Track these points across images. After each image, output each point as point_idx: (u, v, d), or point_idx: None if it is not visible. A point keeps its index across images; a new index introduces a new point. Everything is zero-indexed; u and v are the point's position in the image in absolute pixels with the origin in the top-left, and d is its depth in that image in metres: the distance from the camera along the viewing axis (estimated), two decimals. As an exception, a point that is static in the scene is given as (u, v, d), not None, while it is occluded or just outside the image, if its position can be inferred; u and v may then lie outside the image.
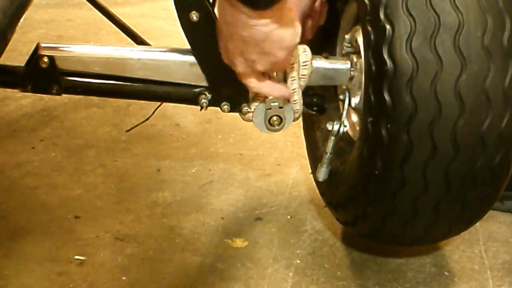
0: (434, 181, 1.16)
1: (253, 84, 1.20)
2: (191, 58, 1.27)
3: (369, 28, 1.14)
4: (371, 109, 1.16)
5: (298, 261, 1.49)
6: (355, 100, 1.35)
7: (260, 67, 1.13)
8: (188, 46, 1.27)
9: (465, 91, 1.10)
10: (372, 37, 1.14)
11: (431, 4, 1.09)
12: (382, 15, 1.11)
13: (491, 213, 1.38)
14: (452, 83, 1.09)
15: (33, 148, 1.96)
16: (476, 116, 1.11)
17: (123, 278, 1.43)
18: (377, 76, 1.13)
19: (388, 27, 1.11)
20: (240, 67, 1.16)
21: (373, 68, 1.13)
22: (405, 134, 1.12)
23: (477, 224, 1.39)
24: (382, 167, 1.17)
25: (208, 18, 1.23)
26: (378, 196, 1.22)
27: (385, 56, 1.11)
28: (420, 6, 1.09)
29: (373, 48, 1.13)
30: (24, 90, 1.29)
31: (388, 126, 1.13)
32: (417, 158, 1.14)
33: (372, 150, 1.18)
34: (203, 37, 1.25)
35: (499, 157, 1.15)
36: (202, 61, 1.27)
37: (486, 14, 1.09)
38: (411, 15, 1.09)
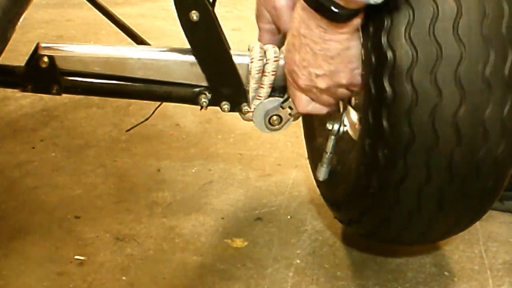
0: (428, 202, 1.17)
1: (303, 104, 1.21)
2: (191, 58, 1.27)
3: (370, 52, 1.14)
4: (369, 132, 1.17)
5: (298, 261, 1.49)
6: (355, 100, 1.35)
7: (322, 84, 1.15)
8: (188, 46, 1.27)
9: (463, 124, 1.09)
10: (373, 61, 1.13)
11: (434, 35, 1.08)
12: (384, 42, 1.11)
13: (491, 213, 1.38)
14: (451, 115, 1.09)
15: (33, 148, 1.96)
16: (472, 146, 1.11)
17: (123, 278, 1.43)
18: (376, 102, 1.13)
19: (389, 54, 1.10)
20: (302, 80, 1.16)
21: (373, 92, 1.13)
22: (402, 160, 1.13)
23: (477, 224, 1.39)
24: (377, 186, 1.18)
25: (208, 18, 1.23)
26: (374, 208, 1.23)
27: (385, 83, 1.11)
28: (423, 36, 1.08)
29: (374, 73, 1.13)
30: (24, 90, 1.29)
31: (385, 151, 1.14)
32: (412, 182, 1.15)
33: (369, 170, 1.19)
34: (203, 37, 1.25)
35: (492, 181, 1.17)
36: (202, 61, 1.27)
37: (489, 46, 1.08)
38: (413, 44, 1.08)
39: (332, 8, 1.02)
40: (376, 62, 1.12)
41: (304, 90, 1.19)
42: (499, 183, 1.18)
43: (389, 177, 1.16)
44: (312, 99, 1.22)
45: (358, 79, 1.16)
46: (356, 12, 1.04)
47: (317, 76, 1.14)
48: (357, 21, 1.07)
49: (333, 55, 1.10)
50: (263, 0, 1.29)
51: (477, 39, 1.08)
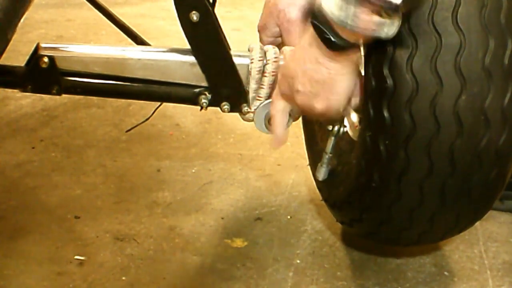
0: (430, 195, 1.17)
1: (277, 107, 1.21)
2: (191, 58, 1.27)
3: (370, 44, 1.14)
4: (370, 124, 1.16)
5: (298, 261, 1.49)
6: (355, 100, 1.35)
7: (298, 100, 1.14)
8: (188, 46, 1.27)
9: (464, 112, 1.09)
10: (373, 52, 1.13)
11: (433, 24, 1.08)
12: None
13: (491, 213, 1.38)
14: (451, 104, 1.09)
15: (33, 148, 1.96)
16: (474, 135, 1.11)
17: (123, 278, 1.43)
18: (377, 93, 1.13)
19: (389, 44, 1.10)
20: (284, 87, 1.17)
21: (373, 83, 1.13)
22: (403, 151, 1.13)
23: (477, 224, 1.39)
24: (379, 180, 1.18)
25: (208, 18, 1.23)
26: (374, 205, 1.23)
27: (386, 73, 1.11)
28: (422, 25, 1.08)
29: (374, 64, 1.13)
30: (24, 90, 1.29)
31: (386, 142, 1.14)
32: (414, 174, 1.15)
33: (370, 163, 1.19)
34: (203, 37, 1.25)
35: (495, 173, 1.16)
36: (202, 61, 1.27)
37: (488, 35, 1.08)
38: (413, 34, 1.09)
39: (330, 36, 1.01)
40: (375, 52, 1.12)
41: (283, 96, 1.19)
42: (502, 175, 1.17)
43: (391, 170, 1.15)
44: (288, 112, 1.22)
45: (333, 112, 1.14)
46: (354, 45, 1.02)
47: (297, 91, 1.13)
48: (354, 55, 1.05)
49: (318, 79, 1.10)
50: (276, 12, 1.29)
51: (476, 28, 1.08)
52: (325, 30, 1.00)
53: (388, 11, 0.95)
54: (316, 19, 1.01)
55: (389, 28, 0.98)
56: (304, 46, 1.10)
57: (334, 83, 1.09)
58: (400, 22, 0.98)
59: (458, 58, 1.08)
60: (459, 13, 1.08)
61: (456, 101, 1.09)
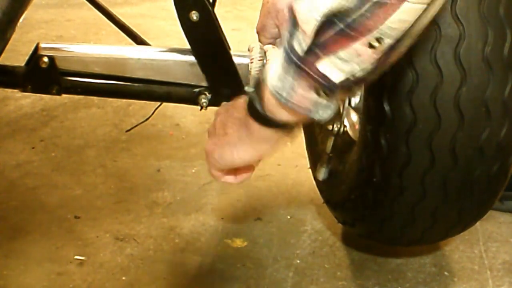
0: (432, 189, 1.17)
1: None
2: (191, 58, 1.27)
3: None
4: (370, 118, 1.16)
5: (298, 261, 1.49)
6: (355, 100, 1.35)
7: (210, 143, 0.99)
8: (188, 46, 1.27)
9: (464, 103, 1.10)
10: None
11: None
12: None
13: (491, 213, 1.38)
14: (452, 96, 1.09)
15: (33, 148, 1.96)
16: (475, 127, 1.11)
17: (123, 278, 1.43)
18: (377, 86, 1.13)
19: None
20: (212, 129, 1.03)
21: None
22: (404, 144, 1.12)
23: (477, 224, 1.39)
24: (380, 174, 1.18)
25: (208, 18, 1.23)
26: (376, 201, 1.22)
27: None
28: None
29: None
30: (24, 90, 1.29)
31: (387, 136, 1.13)
32: (416, 168, 1.14)
33: (371, 158, 1.18)
34: (203, 37, 1.25)
35: (497, 166, 1.16)
36: (202, 61, 1.27)
37: (487, 25, 1.09)
38: None
39: (259, 109, 0.89)
40: None
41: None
42: (504, 168, 1.17)
43: (392, 164, 1.15)
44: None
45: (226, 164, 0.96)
46: (283, 125, 0.89)
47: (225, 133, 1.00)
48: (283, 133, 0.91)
49: (239, 130, 0.97)
50: (274, 12, 1.28)
51: (475, 19, 1.09)
52: (255, 102, 0.90)
53: (325, 89, 0.83)
54: (256, 86, 0.90)
55: (324, 110, 0.86)
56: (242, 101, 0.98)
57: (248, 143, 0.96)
58: (336, 106, 0.86)
59: (458, 49, 1.08)
60: (458, 5, 1.08)
61: (457, 93, 1.09)
